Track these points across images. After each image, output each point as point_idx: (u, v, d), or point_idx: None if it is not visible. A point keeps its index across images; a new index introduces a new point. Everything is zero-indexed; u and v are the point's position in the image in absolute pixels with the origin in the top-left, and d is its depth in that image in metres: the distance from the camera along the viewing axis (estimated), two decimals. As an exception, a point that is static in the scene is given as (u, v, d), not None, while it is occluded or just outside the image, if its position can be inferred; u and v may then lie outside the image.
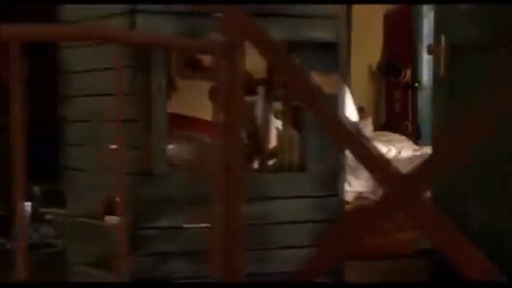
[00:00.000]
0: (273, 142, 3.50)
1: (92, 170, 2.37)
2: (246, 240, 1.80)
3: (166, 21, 2.12)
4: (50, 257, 3.95)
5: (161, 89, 2.18)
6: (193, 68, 7.10)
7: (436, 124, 3.34)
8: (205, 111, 5.27)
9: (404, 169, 3.88)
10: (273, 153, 2.53)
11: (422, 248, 3.79)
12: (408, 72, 6.52)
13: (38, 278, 3.36)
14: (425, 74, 6.46)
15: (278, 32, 2.02)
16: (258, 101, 2.78)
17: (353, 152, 1.61)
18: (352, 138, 1.62)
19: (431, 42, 6.81)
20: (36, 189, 4.83)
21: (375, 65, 6.49)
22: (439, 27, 3.30)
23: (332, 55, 2.24)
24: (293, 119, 2.46)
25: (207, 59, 7.16)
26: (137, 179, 2.17)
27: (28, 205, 4.62)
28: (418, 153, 5.08)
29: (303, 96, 1.80)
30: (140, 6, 2.12)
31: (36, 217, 4.58)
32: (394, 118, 6.61)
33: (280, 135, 2.38)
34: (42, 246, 4.10)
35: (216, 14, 2.17)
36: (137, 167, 2.17)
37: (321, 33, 2.19)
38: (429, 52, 3.75)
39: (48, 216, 4.69)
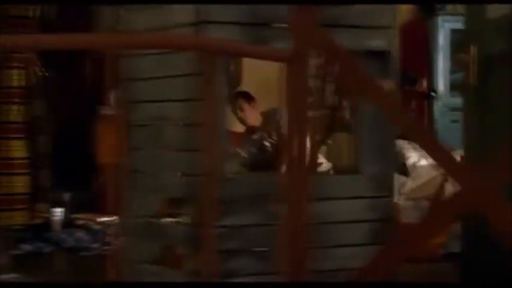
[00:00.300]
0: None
1: (153, 172, 2.50)
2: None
3: (232, 31, 2.25)
4: (88, 260, 4.08)
5: (223, 93, 2.31)
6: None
7: (465, 133, 3.39)
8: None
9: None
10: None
11: (450, 251, 3.90)
12: (424, 82, 6.64)
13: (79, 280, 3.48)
14: (441, 84, 6.59)
15: (338, 41, 2.14)
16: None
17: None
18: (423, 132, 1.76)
19: (448, 52, 6.91)
20: (66, 195, 4.95)
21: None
22: (469, 36, 3.41)
23: (385, 63, 2.37)
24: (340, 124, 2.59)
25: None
26: (202, 180, 2.29)
27: (60, 211, 4.75)
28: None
29: (373, 98, 1.93)
30: (207, 17, 2.25)
31: (68, 223, 4.70)
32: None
33: (333, 139, 2.51)
34: (79, 250, 4.22)
35: (278, 25, 2.32)
36: (204, 169, 2.29)
37: (375, 42, 2.32)
38: (457, 62, 3.87)
39: (79, 222, 4.82)
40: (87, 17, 5.08)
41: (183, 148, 2.35)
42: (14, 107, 3.27)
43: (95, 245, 4.25)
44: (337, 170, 2.43)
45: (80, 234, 4.49)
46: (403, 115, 1.81)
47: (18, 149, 3.30)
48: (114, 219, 4.76)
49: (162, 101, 2.38)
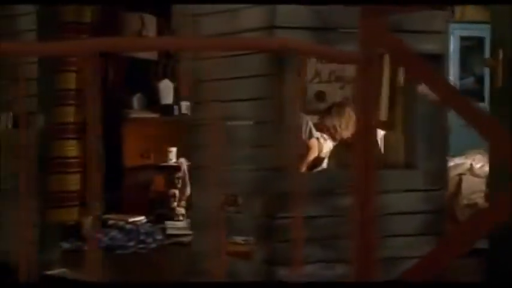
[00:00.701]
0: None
1: (217, 167, 2.65)
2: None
3: (302, 35, 2.42)
4: (126, 257, 4.21)
5: (295, 93, 2.48)
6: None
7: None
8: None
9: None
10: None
11: (476, 247, 4.08)
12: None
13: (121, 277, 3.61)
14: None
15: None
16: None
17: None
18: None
19: (458, 58, 7.09)
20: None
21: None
22: (497, 41, 3.59)
23: (438, 65, 2.55)
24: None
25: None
26: (272, 174, 2.46)
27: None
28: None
29: (442, 95, 2.11)
30: (277, 22, 2.42)
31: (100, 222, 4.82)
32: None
33: (387, 138, 2.69)
34: (114, 249, 4.34)
35: (343, 30, 2.49)
36: (272, 164, 2.47)
37: (431, 46, 2.50)
38: (486, 65, 4.05)
39: (110, 222, 4.94)
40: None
41: (252, 144, 2.52)
42: (70, 109, 3.43)
43: (131, 244, 4.36)
44: (394, 165, 2.61)
45: (114, 233, 4.60)
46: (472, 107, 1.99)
47: (72, 149, 3.45)
48: (143, 219, 4.93)
49: (232, 101, 2.54)
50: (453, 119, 6.96)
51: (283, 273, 2.47)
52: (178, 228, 4.71)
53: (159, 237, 4.53)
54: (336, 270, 2.42)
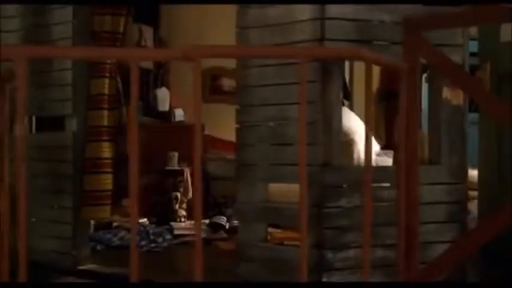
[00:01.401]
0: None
1: (265, 164, 2.96)
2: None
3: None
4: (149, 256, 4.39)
5: (338, 97, 2.82)
6: (215, 92, 7.66)
7: (482, 144, 3.71)
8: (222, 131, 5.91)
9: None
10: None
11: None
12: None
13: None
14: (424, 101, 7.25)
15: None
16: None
17: None
18: None
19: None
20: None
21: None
22: (485, 54, 3.98)
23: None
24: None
25: (226, 84, 7.77)
26: (320, 169, 2.78)
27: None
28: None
29: (480, 100, 2.48)
30: (327, 35, 2.75)
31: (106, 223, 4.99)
32: (394, 141, 7.40)
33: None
34: (125, 248, 4.51)
35: (384, 42, 2.84)
36: (319, 160, 2.79)
37: (453, 58, 2.88)
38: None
39: (115, 223, 5.12)
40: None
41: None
42: (103, 113, 3.65)
43: (144, 243, 4.56)
44: (421, 161, 2.96)
45: (122, 234, 4.78)
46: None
47: (106, 150, 3.67)
48: (146, 221, 5.13)
49: (282, 104, 2.85)
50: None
51: (330, 256, 2.78)
52: (184, 229, 4.96)
53: (168, 237, 4.77)
54: (377, 254, 2.74)
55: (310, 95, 2.76)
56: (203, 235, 4.81)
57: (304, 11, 2.81)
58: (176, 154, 5.34)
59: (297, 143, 2.78)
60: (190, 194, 5.28)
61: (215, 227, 5.10)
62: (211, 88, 6.68)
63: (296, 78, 2.79)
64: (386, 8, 2.85)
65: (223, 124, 5.84)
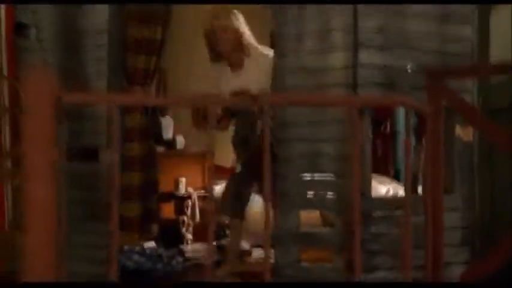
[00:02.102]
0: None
1: (299, 195, 3.29)
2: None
3: (375, 91, 3.13)
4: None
5: (368, 135, 3.19)
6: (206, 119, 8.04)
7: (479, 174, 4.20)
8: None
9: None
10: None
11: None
12: (388, 124, 7.78)
13: None
14: (401, 125, 7.73)
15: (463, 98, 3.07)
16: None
17: None
18: None
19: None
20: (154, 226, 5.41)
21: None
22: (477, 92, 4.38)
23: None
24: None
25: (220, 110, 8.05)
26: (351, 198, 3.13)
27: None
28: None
29: (492, 138, 2.87)
30: (358, 80, 3.12)
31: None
32: (378, 162, 7.85)
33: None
34: (144, 272, 4.75)
35: (403, 86, 3.23)
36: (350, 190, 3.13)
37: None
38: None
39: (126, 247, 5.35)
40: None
41: (336, 175, 3.18)
42: (135, 145, 3.93)
43: (159, 266, 4.80)
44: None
45: (136, 257, 5.01)
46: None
47: (136, 179, 3.95)
48: (153, 244, 5.38)
49: (316, 141, 3.20)
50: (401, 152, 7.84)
51: (361, 277, 3.12)
52: (194, 251, 5.23)
53: (180, 259, 5.02)
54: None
55: (342, 134, 3.13)
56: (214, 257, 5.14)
57: (339, 59, 3.17)
58: (184, 179, 5.62)
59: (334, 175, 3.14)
60: (197, 218, 5.56)
61: (223, 248, 5.39)
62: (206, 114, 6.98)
63: (328, 116, 3.16)
64: (408, 56, 3.24)
65: (218, 150, 6.17)
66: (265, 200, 2.12)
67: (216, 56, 3.84)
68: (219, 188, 6.17)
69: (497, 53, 3.73)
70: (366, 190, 3.17)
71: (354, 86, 3.13)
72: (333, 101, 2.72)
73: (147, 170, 4.11)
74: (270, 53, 3.83)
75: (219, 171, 6.60)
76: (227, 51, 3.77)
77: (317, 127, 3.20)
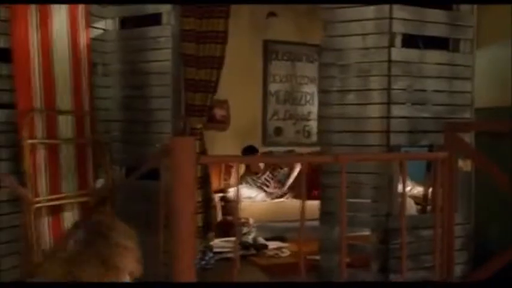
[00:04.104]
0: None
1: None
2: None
3: (400, 138, 4.11)
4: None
5: (397, 168, 4.17)
6: (209, 121, 8.99)
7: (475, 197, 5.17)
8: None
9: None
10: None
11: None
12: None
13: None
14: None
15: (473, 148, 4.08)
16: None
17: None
18: None
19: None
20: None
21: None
22: None
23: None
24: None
25: (219, 114, 9.00)
26: (385, 218, 4.12)
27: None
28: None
29: (496, 179, 3.89)
30: (391, 128, 4.08)
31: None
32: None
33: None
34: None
35: (421, 130, 4.21)
36: (384, 211, 4.12)
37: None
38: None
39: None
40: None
41: (373, 199, 4.16)
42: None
43: (195, 261, 5.66)
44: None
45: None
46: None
47: (196, 195, 4.79)
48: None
49: (355, 173, 4.15)
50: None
51: (392, 277, 4.13)
52: (221, 247, 6.09)
53: (211, 254, 5.89)
54: (419, 274, 4.11)
55: (380, 168, 4.11)
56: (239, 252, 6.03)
57: (375, 111, 4.13)
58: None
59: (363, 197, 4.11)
60: (219, 217, 6.45)
61: (243, 244, 6.30)
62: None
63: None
64: (426, 109, 4.22)
65: (217, 148, 7.06)
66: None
67: None
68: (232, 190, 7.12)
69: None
70: (393, 210, 4.16)
71: (387, 132, 4.10)
72: (392, 158, 3.68)
73: (204, 187, 4.94)
74: None
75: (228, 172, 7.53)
76: None
77: (357, 163, 4.15)
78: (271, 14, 8.16)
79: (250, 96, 8.21)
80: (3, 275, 4.07)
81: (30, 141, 4.06)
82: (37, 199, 4.03)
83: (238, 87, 7.70)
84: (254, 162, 7.16)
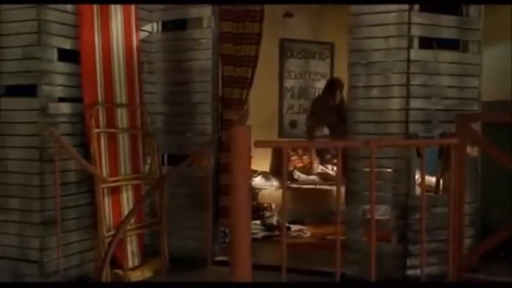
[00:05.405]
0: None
1: (364, 193, 4.86)
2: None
3: (416, 127, 4.73)
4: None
5: (414, 153, 4.78)
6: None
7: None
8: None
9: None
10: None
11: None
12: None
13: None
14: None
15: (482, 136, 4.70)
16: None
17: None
18: None
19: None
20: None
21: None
22: None
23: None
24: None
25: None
26: (405, 197, 4.74)
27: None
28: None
29: (501, 162, 4.50)
30: (410, 130, 4.71)
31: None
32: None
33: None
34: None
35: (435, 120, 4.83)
36: (404, 191, 4.75)
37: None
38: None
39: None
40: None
41: (394, 181, 4.77)
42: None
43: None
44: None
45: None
46: None
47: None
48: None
49: (379, 158, 4.76)
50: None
51: (411, 248, 4.74)
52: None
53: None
54: (432, 245, 4.73)
55: (399, 153, 4.73)
56: (263, 233, 6.67)
57: (396, 103, 4.75)
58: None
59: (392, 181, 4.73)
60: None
61: (268, 226, 6.93)
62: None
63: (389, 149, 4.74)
64: (439, 102, 4.83)
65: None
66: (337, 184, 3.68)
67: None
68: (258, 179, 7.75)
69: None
70: (411, 191, 4.78)
71: (406, 122, 4.71)
72: (413, 143, 4.30)
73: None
74: None
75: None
76: None
77: (379, 149, 4.76)
78: (288, 15, 8.75)
79: (268, 91, 8.73)
80: (72, 247, 4.68)
81: (96, 130, 4.67)
82: (111, 179, 4.66)
83: (257, 83, 8.29)
84: (299, 146, 7.84)
